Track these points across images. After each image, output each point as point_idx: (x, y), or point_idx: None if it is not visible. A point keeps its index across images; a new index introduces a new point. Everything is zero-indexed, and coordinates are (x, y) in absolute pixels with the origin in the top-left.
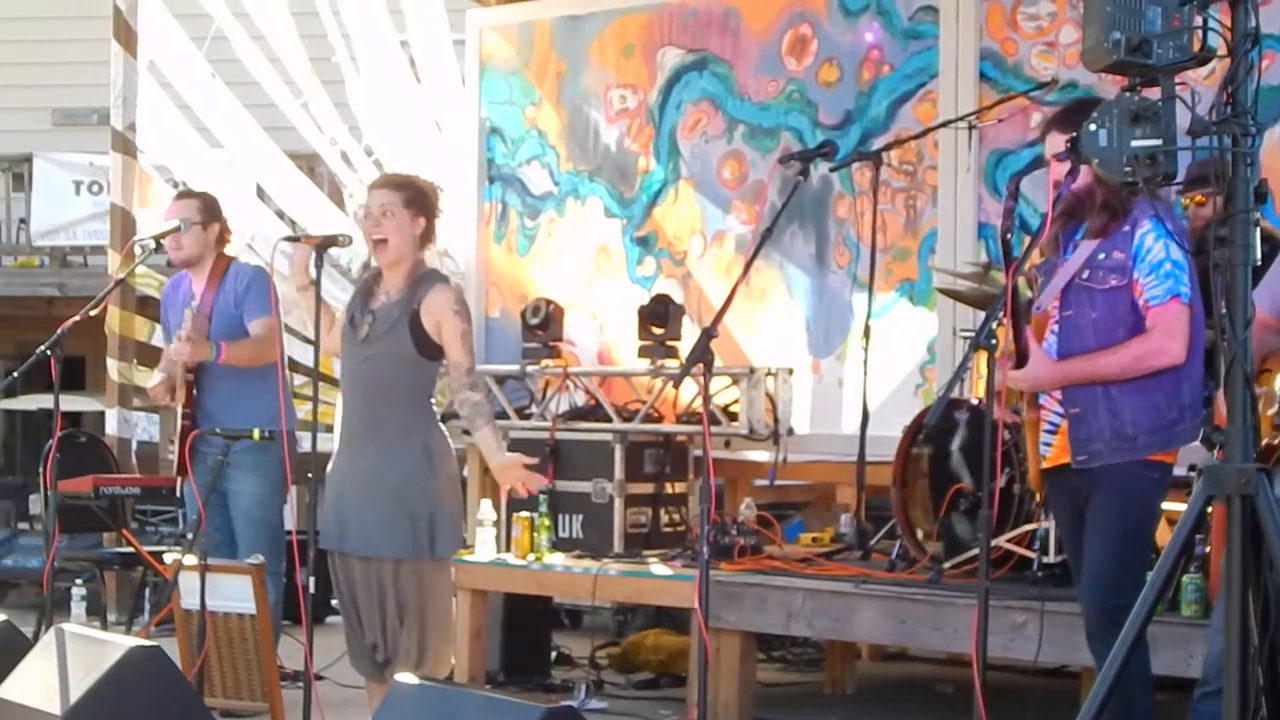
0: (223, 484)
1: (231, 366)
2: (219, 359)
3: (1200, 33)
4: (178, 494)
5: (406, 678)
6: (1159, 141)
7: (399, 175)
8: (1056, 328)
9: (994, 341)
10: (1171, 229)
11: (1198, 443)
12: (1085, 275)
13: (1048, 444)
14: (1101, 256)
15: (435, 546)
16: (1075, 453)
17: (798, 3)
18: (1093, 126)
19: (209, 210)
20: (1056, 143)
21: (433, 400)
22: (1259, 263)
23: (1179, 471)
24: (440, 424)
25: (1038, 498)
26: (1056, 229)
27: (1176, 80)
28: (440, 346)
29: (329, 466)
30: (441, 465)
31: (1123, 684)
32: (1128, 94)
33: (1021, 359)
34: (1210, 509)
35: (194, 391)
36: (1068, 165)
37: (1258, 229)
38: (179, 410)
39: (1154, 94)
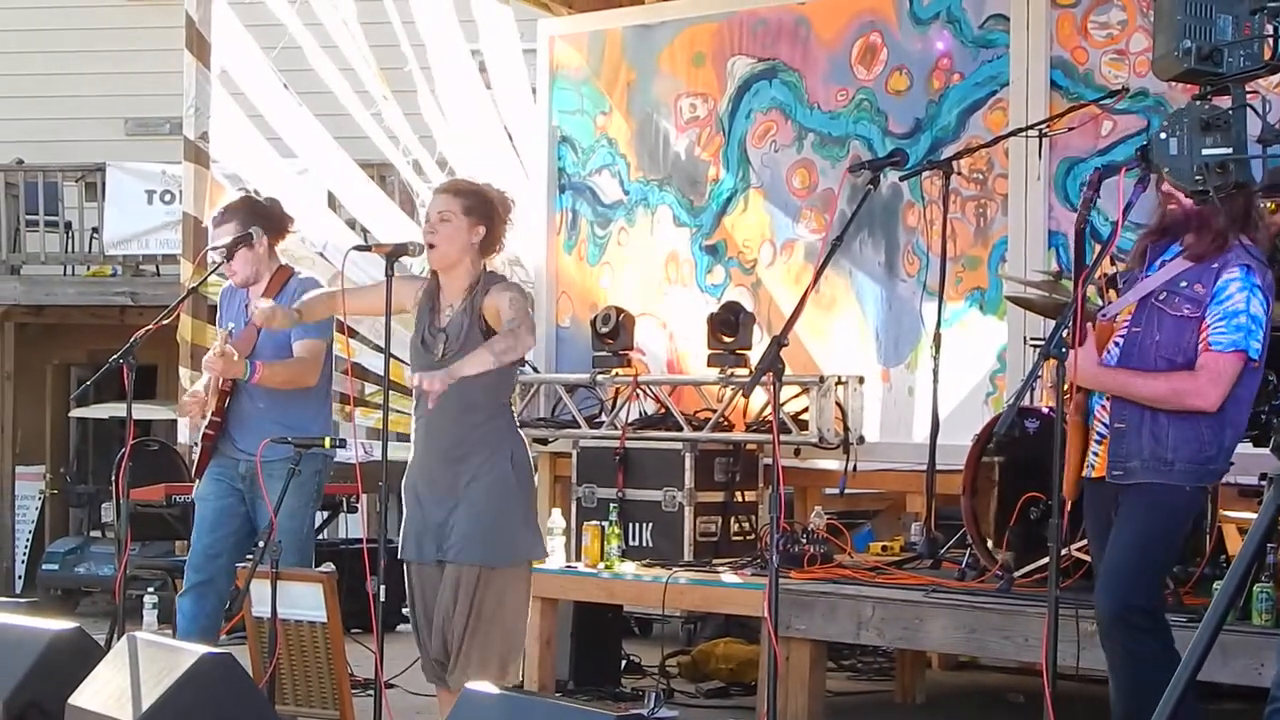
0: (253, 493)
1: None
2: (252, 378)
3: (1271, 41)
4: (192, 499)
5: (478, 685)
6: (1230, 150)
7: (465, 181)
8: (1121, 339)
9: (1064, 350)
10: (1260, 284)
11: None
12: (1162, 297)
13: (1095, 453)
14: (1184, 284)
15: (520, 554)
16: (1112, 467)
17: (868, 11)
18: (1163, 135)
19: (249, 220)
20: None
21: (512, 406)
22: None
23: (1249, 480)
24: (520, 432)
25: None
26: (1147, 244)
27: (1247, 88)
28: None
29: (405, 477)
30: (525, 474)
31: (1147, 691)
32: (1198, 102)
33: None
34: None
35: (226, 401)
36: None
37: None
38: (207, 415)
39: (1225, 102)
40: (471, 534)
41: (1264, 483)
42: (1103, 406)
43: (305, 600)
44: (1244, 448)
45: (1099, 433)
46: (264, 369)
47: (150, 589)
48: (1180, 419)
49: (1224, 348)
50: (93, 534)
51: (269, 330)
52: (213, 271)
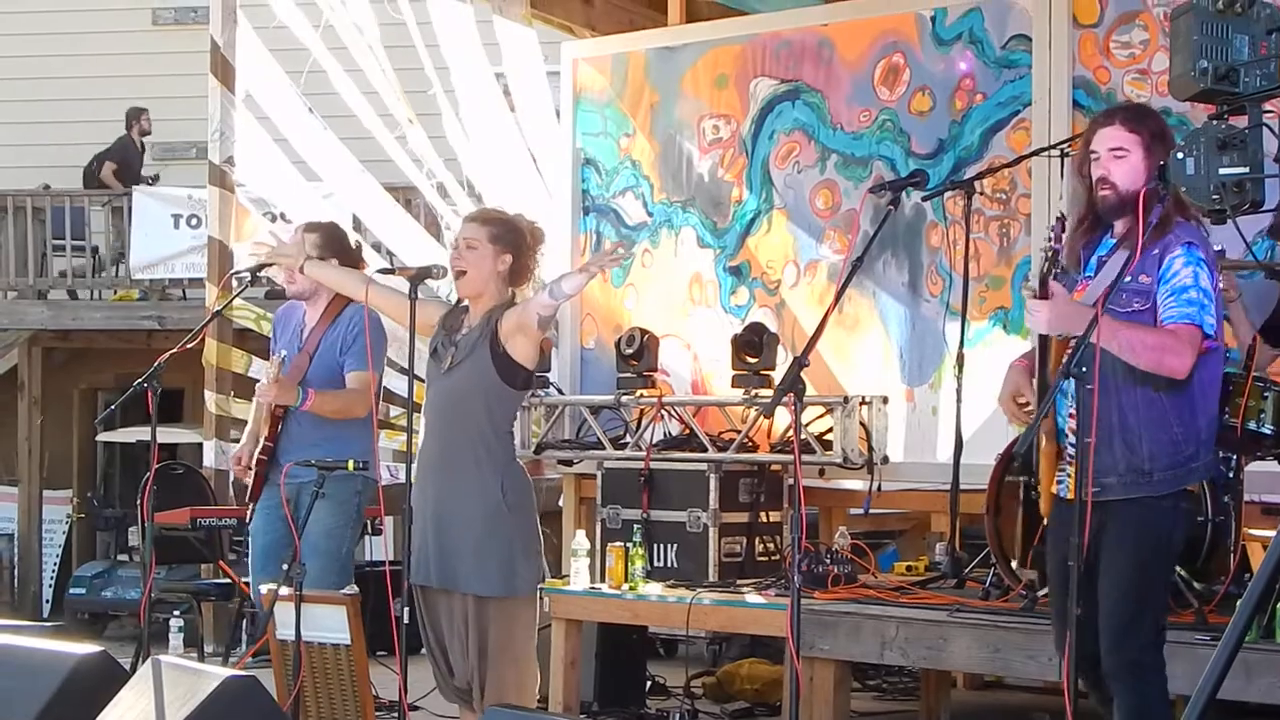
0: (296, 515)
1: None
2: (304, 405)
3: None
4: (247, 521)
5: (502, 707)
6: (1246, 169)
7: (494, 211)
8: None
9: (1085, 370)
10: (1205, 258)
11: None
12: (1109, 300)
13: (1066, 472)
14: (1128, 280)
15: (516, 584)
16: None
17: (890, 32)
18: (1180, 155)
19: (330, 244)
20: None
21: (513, 436)
22: None
23: (1271, 499)
24: (517, 460)
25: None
26: (1079, 243)
27: (1264, 108)
28: (521, 371)
29: (411, 498)
30: (519, 502)
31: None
32: (1215, 122)
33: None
34: None
35: (280, 425)
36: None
37: None
38: (260, 439)
39: (1241, 122)
40: (463, 562)
41: None
42: (1069, 429)
43: (329, 623)
44: (1268, 466)
45: (1069, 453)
46: (315, 397)
47: (176, 612)
48: (1152, 424)
49: (1176, 319)
50: (119, 558)
51: (321, 358)
52: (237, 295)
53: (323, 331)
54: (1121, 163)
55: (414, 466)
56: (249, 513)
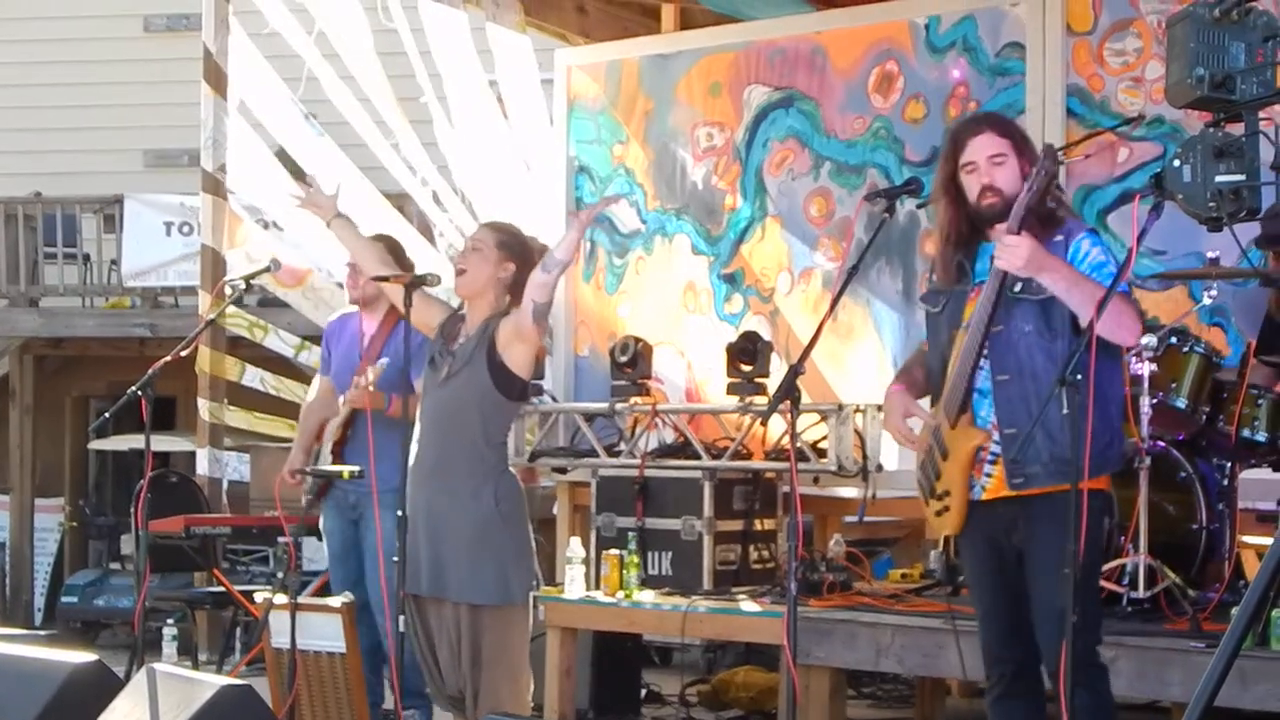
0: (364, 523)
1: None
2: (389, 410)
3: None
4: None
5: (496, 716)
6: (1243, 177)
7: (509, 224)
8: (987, 348)
9: (1079, 376)
10: (1105, 244)
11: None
12: (1018, 288)
13: (989, 474)
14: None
15: (509, 593)
16: (1011, 476)
17: (884, 40)
18: (1177, 162)
19: (391, 257)
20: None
21: (507, 447)
22: None
23: (1266, 506)
24: (510, 469)
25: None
26: (961, 256)
27: (1260, 115)
28: (517, 381)
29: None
30: (511, 511)
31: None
32: (1211, 130)
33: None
34: None
35: (348, 432)
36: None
37: None
38: (327, 449)
39: (1238, 129)
40: (455, 572)
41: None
42: (993, 424)
43: (324, 631)
44: (1262, 473)
45: (992, 451)
46: (398, 402)
47: (169, 620)
48: (1069, 412)
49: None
50: (112, 566)
51: (396, 363)
52: (230, 302)
53: (384, 338)
54: (1002, 168)
55: (409, 476)
56: (318, 511)
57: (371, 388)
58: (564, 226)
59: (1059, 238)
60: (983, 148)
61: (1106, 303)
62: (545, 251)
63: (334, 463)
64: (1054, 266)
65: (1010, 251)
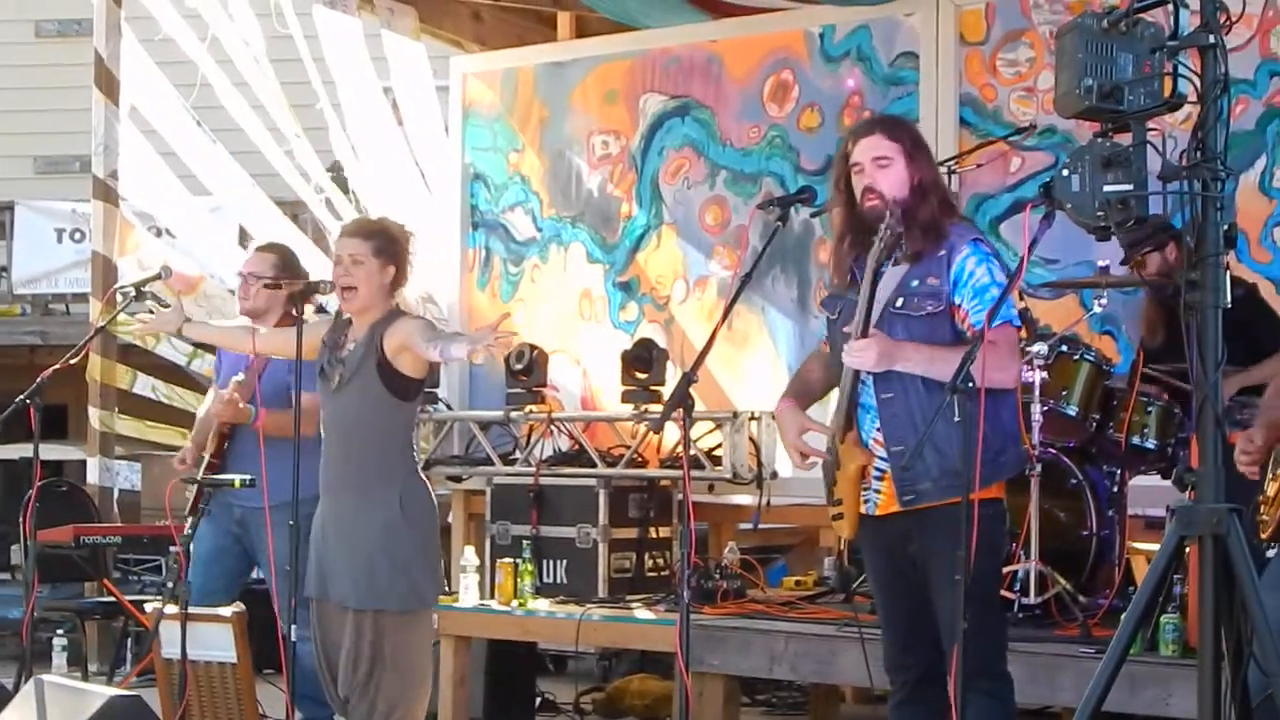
0: (250, 537)
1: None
2: (255, 422)
3: (1171, 79)
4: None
5: None
6: (1131, 186)
7: (368, 222)
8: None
9: (971, 384)
10: (991, 252)
11: (1171, 483)
12: (899, 304)
13: (877, 490)
14: (915, 283)
15: (413, 599)
16: (901, 493)
17: (780, 49)
18: (1066, 172)
19: (285, 267)
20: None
21: (413, 448)
22: (1229, 305)
23: (1155, 513)
24: (419, 473)
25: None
26: (850, 259)
27: (1148, 126)
28: (412, 383)
29: (315, 514)
30: (419, 515)
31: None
32: (1100, 140)
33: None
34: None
35: (225, 444)
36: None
37: (1227, 273)
38: (205, 458)
39: (1126, 139)
40: (365, 579)
41: (1168, 515)
42: (876, 440)
43: (215, 641)
44: (1152, 480)
45: (878, 468)
46: (267, 417)
47: (59, 631)
48: (957, 426)
49: (994, 323)
50: (0, 576)
51: (270, 377)
52: (121, 309)
53: None
54: (886, 171)
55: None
56: (188, 526)
57: (242, 404)
58: (458, 234)
59: (941, 253)
60: (869, 149)
61: (967, 365)
62: (406, 233)
63: (210, 473)
64: (906, 355)
65: (859, 356)
